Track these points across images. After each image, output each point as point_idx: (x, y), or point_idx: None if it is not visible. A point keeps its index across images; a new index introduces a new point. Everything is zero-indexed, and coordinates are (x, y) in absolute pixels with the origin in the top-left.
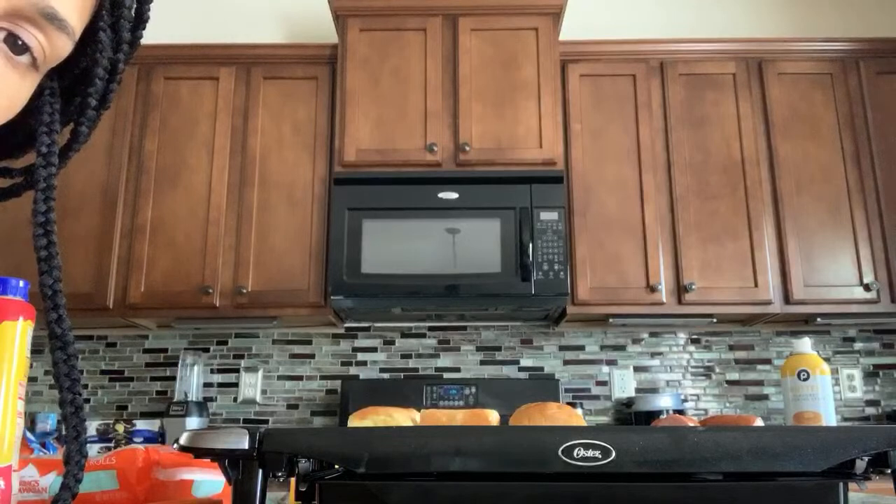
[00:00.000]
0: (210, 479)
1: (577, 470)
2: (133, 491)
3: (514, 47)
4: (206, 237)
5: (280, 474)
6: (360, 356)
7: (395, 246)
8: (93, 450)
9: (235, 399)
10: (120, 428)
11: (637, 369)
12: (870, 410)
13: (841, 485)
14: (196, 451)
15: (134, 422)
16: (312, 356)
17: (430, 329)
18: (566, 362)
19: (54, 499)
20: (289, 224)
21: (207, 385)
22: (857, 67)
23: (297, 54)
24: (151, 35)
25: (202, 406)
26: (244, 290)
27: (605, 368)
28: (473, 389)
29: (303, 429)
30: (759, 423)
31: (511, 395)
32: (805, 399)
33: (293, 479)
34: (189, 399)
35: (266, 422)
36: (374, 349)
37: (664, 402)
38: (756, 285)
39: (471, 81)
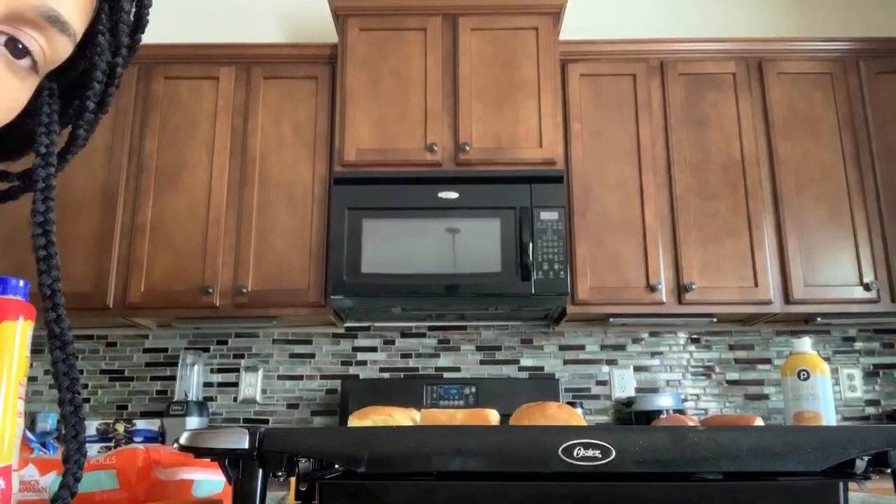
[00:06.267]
0: (210, 479)
1: (577, 470)
2: (133, 491)
3: (514, 47)
4: (206, 237)
5: (280, 474)
6: (360, 356)
7: (395, 246)
8: (93, 449)
9: (235, 399)
10: (120, 428)
11: (637, 369)
12: (870, 410)
13: (841, 484)
14: (196, 451)
15: (134, 421)
16: (312, 356)
17: (430, 329)
18: (566, 362)
19: (53, 498)
20: (289, 224)
21: (207, 385)
22: (857, 67)
23: (297, 54)
24: (151, 35)
25: (202, 406)
26: (244, 290)
27: (605, 368)
28: (473, 389)
29: (303, 429)
30: (759, 422)
31: (511, 394)
32: (805, 399)
33: (293, 479)
34: (189, 399)
35: (266, 422)
36: (374, 349)
37: (664, 401)
38: (756, 285)
39: (471, 81)
